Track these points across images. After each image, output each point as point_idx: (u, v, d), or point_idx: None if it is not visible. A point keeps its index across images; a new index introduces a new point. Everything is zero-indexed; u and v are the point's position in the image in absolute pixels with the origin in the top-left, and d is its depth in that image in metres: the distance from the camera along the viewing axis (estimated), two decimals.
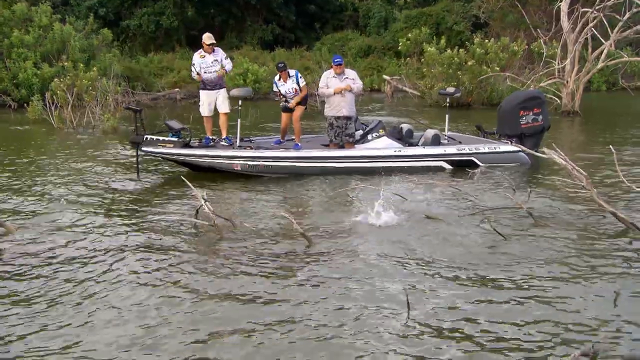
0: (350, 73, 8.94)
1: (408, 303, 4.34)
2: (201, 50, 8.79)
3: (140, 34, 27.23)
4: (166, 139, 8.29)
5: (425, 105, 18.12)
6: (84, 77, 13.84)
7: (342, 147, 8.95)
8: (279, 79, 8.99)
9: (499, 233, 5.89)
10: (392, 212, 6.77)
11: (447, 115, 9.97)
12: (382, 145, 9.01)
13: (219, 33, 29.55)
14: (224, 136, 8.94)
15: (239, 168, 8.30)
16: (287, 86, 8.95)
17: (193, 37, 29.34)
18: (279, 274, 5.07)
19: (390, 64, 24.71)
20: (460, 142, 9.47)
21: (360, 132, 9.24)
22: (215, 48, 8.86)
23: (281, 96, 9.12)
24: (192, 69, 8.81)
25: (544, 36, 16.40)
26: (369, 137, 9.18)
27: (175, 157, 8.34)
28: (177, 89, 20.20)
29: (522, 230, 6.12)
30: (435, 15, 25.43)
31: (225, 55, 8.95)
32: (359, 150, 8.79)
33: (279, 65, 9.05)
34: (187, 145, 8.43)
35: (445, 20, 24.95)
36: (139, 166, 8.50)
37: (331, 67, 8.90)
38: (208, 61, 8.72)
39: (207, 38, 8.77)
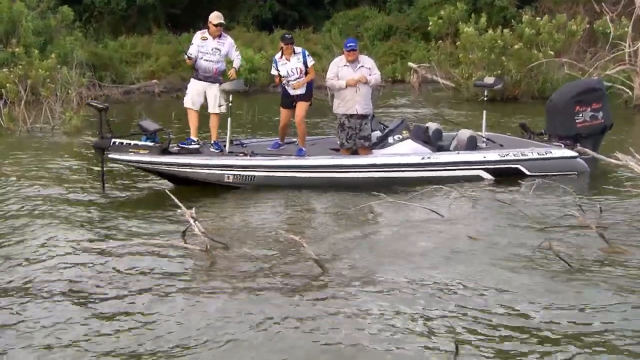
0: (366, 61, 8.92)
1: (457, 348, 4.24)
2: (205, 30, 8.87)
3: (109, 12, 27.34)
4: (139, 143, 8.25)
5: (460, 100, 18.11)
6: (40, 66, 13.89)
7: (355, 152, 8.92)
8: (281, 57, 8.99)
9: (565, 261, 5.79)
10: (427, 232, 6.69)
11: (484, 112, 9.94)
12: (406, 151, 8.99)
13: (205, 11, 29.81)
14: (213, 140, 8.94)
15: (231, 180, 8.26)
16: (290, 65, 8.94)
17: (173, 16, 29.57)
18: (285, 309, 4.99)
19: (417, 48, 24.76)
20: (501, 146, 9.44)
21: (378, 133, 9.22)
22: (224, 34, 8.91)
23: (280, 80, 9.09)
24: (190, 47, 8.87)
25: (610, 12, 16.33)
26: (390, 139, 9.16)
27: (149, 166, 8.30)
28: (155, 81, 20.30)
29: (592, 256, 6.02)
30: None
31: (234, 45, 8.94)
32: (377, 157, 8.76)
33: (286, 36, 9.08)
34: (165, 151, 8.39)
35: None
36: (105, 177, 8.45)
37: (342, 53, 8.89)
38: (208, 47, 8.78)
39: (215, 17, 8.83)
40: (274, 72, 9.14)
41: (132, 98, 18.71)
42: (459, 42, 18.96)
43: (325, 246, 6.39)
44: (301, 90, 9.09)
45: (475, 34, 17.86)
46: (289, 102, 9.27)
